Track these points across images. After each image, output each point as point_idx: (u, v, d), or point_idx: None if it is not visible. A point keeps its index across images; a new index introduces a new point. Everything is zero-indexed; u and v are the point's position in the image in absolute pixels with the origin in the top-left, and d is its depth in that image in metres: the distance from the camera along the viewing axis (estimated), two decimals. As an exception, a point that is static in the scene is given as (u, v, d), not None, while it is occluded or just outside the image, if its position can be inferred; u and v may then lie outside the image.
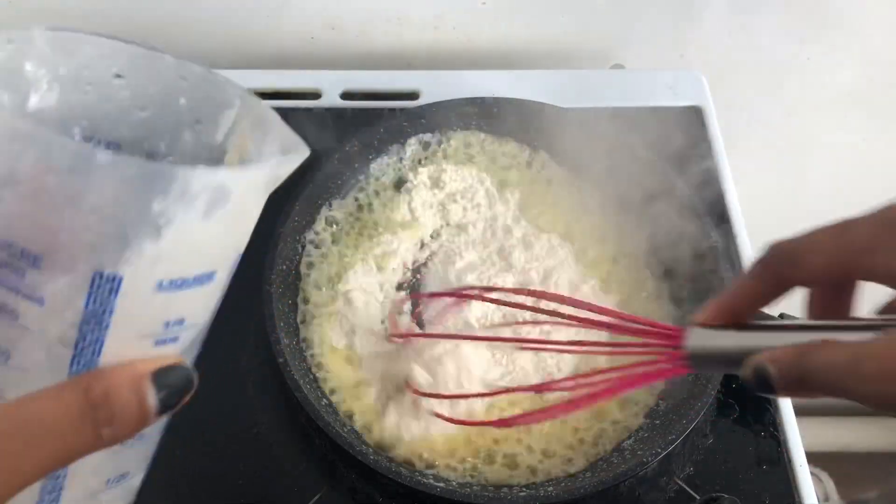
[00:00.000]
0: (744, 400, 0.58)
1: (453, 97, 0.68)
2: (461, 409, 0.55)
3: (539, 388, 0.55)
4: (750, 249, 0.66)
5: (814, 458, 0.59)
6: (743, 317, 0.33)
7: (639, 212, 0.64)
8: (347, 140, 0.64)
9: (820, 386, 0.29)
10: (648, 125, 0.66)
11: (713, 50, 0.82)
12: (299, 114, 0.72)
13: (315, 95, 0.75)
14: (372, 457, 0.50)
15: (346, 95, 0.75)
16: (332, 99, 0.75)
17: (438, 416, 0.53)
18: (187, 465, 0.55)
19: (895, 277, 0.28)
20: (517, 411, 0.56)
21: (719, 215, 0.67)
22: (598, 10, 0.78)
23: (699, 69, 0.78)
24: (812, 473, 0.55)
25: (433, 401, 0.53)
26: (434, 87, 0.74)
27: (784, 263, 0.32)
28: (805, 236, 0.31)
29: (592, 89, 0.75)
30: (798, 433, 0.57)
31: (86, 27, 0.98)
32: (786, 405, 0.58)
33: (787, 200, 0.98)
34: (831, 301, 0.33)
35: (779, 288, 0.32)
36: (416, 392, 0.54)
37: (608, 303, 0.60)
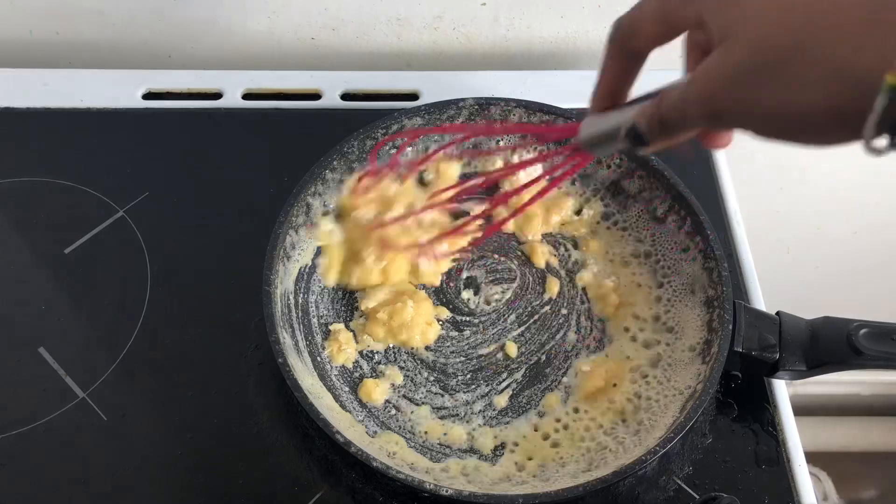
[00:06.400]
0: (743, 399, 0.58)
1: (453, 98, 0.67)
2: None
3: (492, 204, 0.64)
4: (749, 250, 0.66)
5: (813, 457, 0.60)
6: (621, 98, 0.40)
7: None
8: (346, 140, 0.64)
9: (674, 125, 0.35)
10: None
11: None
12: (299, 114, 0.72)
13: (315, 96, 0.75)
14: (372, 457, 0.50)
15: (346, 96, 0.75)
16: (332, 99, 0.75)
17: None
18: (188, 465, 0.55)
19: (701, 22, 0.34)
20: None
21: (717, 214, 0.67)
22: (597, 11, 0.79)
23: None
24: (811, 473, 0.55)
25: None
26: (434, 87, 0.74)
27: (626, 37, 0.38)
28: (635, 8, 0.38)
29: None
30: (797, 432, 0.57)
31: (87, 28, 0.98)
32: (785, 405, 0.58)
33: (786, 200, 0.98)
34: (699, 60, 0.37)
35: (633, 60, 0.39)
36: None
37: None
